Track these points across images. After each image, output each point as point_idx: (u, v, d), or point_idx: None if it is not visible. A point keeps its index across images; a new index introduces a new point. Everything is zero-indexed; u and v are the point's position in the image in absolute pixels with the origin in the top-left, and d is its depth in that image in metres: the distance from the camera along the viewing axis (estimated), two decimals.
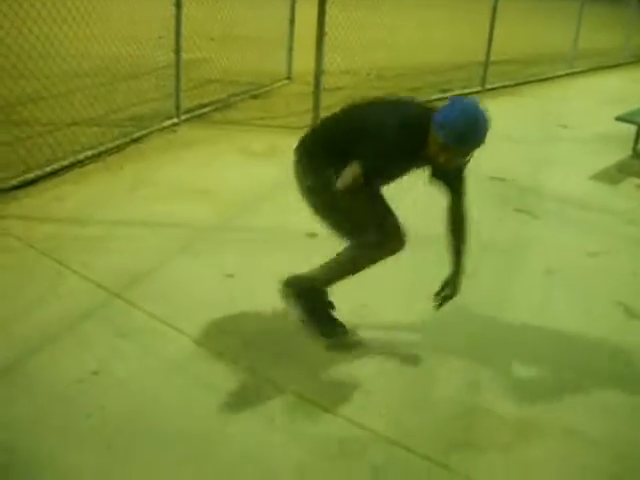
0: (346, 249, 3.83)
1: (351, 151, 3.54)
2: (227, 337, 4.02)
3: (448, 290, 3.99)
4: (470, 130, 3.44)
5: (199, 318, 4.16)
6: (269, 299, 4.18)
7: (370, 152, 3.52)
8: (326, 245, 4.02)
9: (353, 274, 3.86)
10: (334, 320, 4.02)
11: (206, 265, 4.74)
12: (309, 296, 3.97)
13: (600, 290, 4.91)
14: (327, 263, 3.90)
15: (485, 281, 4.87)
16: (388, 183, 3.81)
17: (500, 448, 3.35)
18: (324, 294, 4.00)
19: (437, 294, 3.98)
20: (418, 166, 3.78)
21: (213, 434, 3.29)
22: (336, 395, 3.62)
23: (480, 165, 7.04)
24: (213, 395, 3.53)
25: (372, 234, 3.72)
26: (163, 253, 4.89)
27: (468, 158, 3.66)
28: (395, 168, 3.74)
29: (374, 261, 3.79)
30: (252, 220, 5.45)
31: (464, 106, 3.51)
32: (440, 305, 4.00)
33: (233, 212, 5.61)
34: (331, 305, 4.03)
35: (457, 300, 4.33)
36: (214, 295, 4.41)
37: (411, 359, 3.99)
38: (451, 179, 3.92)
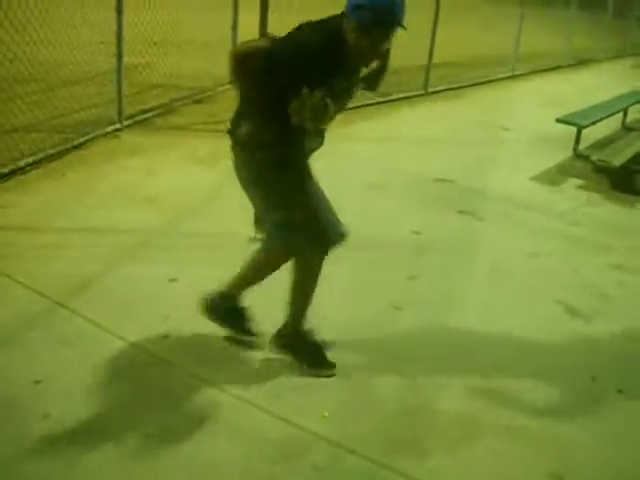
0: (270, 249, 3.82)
1: (284, 95, 3.27)
2: (170, 342, 4.01)
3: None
4: (385, 3, 3.21)
5: (142, 324, 4.15)
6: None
7: (307, 74, 3.21)
8: None
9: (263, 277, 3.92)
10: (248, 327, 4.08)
11: (150, 271, 4.71)
12: (227, 316, 4.04)
13: (541, 290, 5.00)
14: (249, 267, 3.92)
15: (427, 282, 4.93)
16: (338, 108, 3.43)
17: (444, 448, 3.39)
18: (237, 303, 4.05)
19: None
20: (353, 74, 3.54)
21: (156, 438, 3.29)
22: (276, 397, 3.63)
23: (424, 167, 7.22)
24: (156, 399, 3.54)
25: (302, 232, 3.66)
26: (108, 260, 4.85)
27: (388, 42, 3.41)
28: (337, 81, 3.38)
29: (313, 267, 3.77)
30: (197, 225, 5.43)
31: None
32: None
33: (177, 218, 5.59)
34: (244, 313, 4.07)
35: (398, 301, 4.39)
36: (157, 300, 4.39)
37: (351, 360, 4.00)
38: (373, 81, 3.82)
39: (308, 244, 3.67)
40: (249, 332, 4.08)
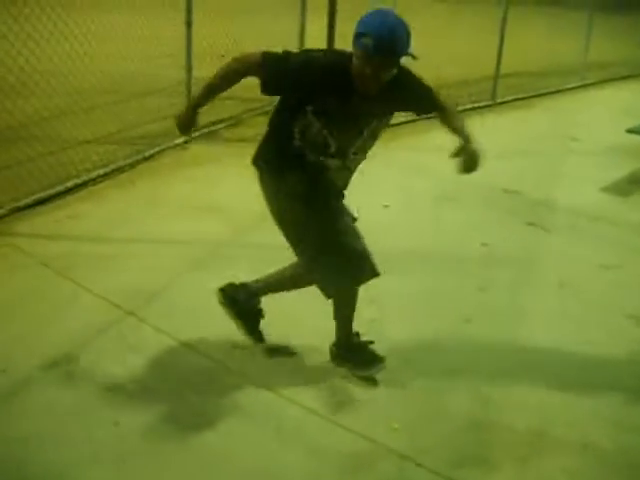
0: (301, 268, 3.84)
1: (288, 110, 3.49)
2: (239, 352, 4.04)
3: (464, 157, 3.79)
4: (386, 32, 3.21)
5: (211, 333, 4.19)
6: (279, 314, 4.19)
7: (306, 83, 3.36)
8: None
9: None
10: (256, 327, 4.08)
11: (217, 281, 4.72)
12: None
13: (613, 303, 4.89)
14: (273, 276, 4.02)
15: (496, 295, 4.87)
16: (347, 140, 3.53)
17: (513, 463, 3.34)
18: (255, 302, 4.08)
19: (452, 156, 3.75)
20: (357, 107, 3.44)
21: (226, 449, 3.30)
22: (347, 409, 3.63)
23: (492, 179, 7.14)
24: (225, 410, 3.55)
25: (320, 269, 3.69)
26: (176, 270, 4.90)
27: (390, 71, 3.32)
28: (333, 102, 3.40)
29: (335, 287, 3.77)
30: (263, 237, 5.42)
31: (380, 12, 3.37)
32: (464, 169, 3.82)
33: (244, 229, 5.62)
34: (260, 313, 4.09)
35: (467, 314, 4.33)
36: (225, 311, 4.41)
37: (421, 373, 3.98)
38: (424, 110, 3.88)
39: (327, 281, 3.70)
40: (257, 335, 4.08)
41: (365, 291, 4.13)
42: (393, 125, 8.56)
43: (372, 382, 3.85)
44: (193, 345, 4.05)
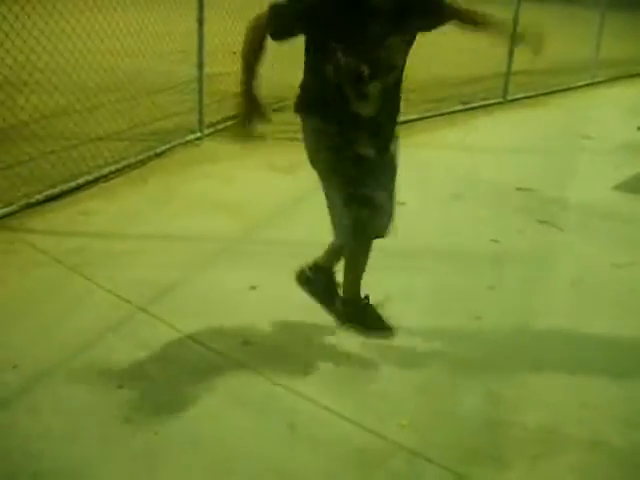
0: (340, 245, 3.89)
1: (317, 50, 3.47)
2: (250, 348, 4.03)
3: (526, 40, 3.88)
4: None
5: (223, 330, 4.19)
6: (293, 310, 4.21)
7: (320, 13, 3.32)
8: None
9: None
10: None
11: (230, 278, 4.75)
12: (361, 305, 4.06)
13: (626, 301, 4.86)
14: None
15: (509, 293, 4.85)
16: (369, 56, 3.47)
17: (524, 461, 3.33)
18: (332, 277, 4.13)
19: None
20: (379, 24, 3.41)
21: (239, 445, 3.30)
22: (357, 405, 3.61)
23: (504, 176, 7.14)
24: (238, 407, 3.56)
25: (337, 215, 3.70)
26: (188, 266, 4.91)
27: None
28: (358, 30, 3.38)
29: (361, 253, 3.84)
30: (276, 233, 5.46)
31: None
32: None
33: (257, 226, 5.63)
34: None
35: (478, 310, 4.34)
36: (238, 307, 4.42)
37: (432, 370, 3.97)
38: (437, 19, 3.74)
39: (340, 229, 3.71)
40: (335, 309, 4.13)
41: (378, 287, 4.15)
42: (406, 122, 8.67)
43: (377, 378, 3.86)
44: (205, 342, 4.05)
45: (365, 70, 3.44)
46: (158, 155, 7.10)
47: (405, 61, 3.61)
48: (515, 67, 11.16)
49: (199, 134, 7.79)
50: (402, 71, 3.63)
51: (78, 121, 7.23)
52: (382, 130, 3.71)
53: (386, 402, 3.66)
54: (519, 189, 6.91)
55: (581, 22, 14.35)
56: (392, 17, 3.40)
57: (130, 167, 6.73)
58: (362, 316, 4.07)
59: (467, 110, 10.19)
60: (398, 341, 4.09)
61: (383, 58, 3.47)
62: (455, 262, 5.19)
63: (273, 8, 3.37)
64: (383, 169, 3.75)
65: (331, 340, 4.12)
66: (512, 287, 4.94)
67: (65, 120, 7.23)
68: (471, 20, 3.77)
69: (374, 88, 3.52)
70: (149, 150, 7.08)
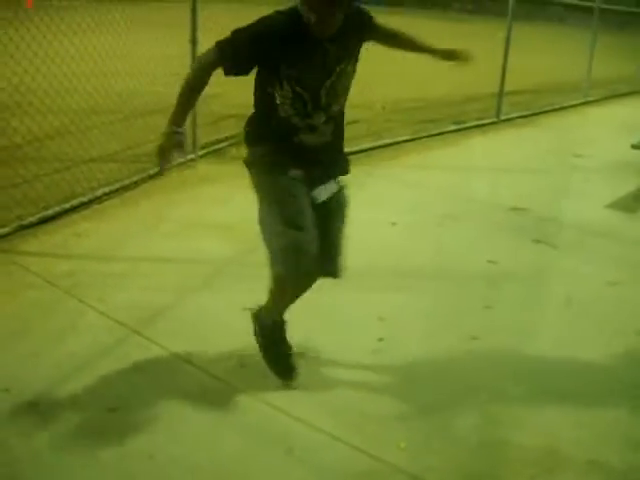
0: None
1: (261, 82, 3.51)
2: (245, 371, 4.01)
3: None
4: None
5: (218, 352, 4.16)
6: (288, 332, 4.18)
7: (266, 46, 3.34)
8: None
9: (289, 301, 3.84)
10: (286, 360, 3.97)
11: (225, 300, 4.73)
12: (266, 332, 3.96)
13: (622, 320, 4.85)
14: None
15: (503, 312, 4.84)
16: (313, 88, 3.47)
17: None
18: (281, 330, 3.97)
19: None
20: (325, 55, 3.41)
21: (237, 470, 3.28)
22: (355, 428, 3.58)
23: (498, 196, 7.14)
24: (234, 430, 3.52)
25: (267, 246, 3.62)
26: (182, 289, 4.89)
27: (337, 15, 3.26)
28: (303, 62, 3.40)
29: (287, 295, 3.76)
30: None
31: None
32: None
33: (251, 247, 5.57)
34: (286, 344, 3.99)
35: (475, 331, 4.33)
36: (233, 329, 4.39)
37: (429, 391, 3.94)
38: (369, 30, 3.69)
39: (271, 260, 3.62)
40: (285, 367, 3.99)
41: (373, 308, 4.14)
42: (395, 143, 8.68)
43: (374, 401, 3.83)
44: (200, 364, 4.02)
45: (309, 100, 3.47)
46: (152, 177, 7.08)
47: (349, 88, 3.61)
48: (508, 87, 11.22)
49: (192, 155, 7.77)
50: (346, 99, 3.64)
51: (72, 143, 7.22)
52: (325, 159, 3.66)
53: (383, 425, 3.63)
54: (513, 209, 6.92)
55: (572, 42, 14.44)
56: (336, 46, 3.40)
57: (124, 189, 6.71)
58: (270, 353, 3.97)
59: (460, 130, 10.21)
60: (393, 362, 4.07)
61: (328, 87, 3.48)
62: (450, 282, 5.18)
63: (219, 44, 3.40)
64: (326, 207, 3.67)
65: (328, 362, 4.10)
66: (508, 307, 4.93)
67: (59, 142, 7.23)
68: (403, 42, 3.86)
69: (318, 118, 3.53)
70: (142, 172, 7.06)
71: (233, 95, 9.07)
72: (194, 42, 7.43)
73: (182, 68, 7.75)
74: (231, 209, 6.46)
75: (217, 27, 8.58)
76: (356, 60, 3.58)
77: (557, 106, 12.84)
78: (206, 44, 7.67)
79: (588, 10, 14.01)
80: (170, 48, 8.31)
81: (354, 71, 3.59)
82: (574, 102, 13.40)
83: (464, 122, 10.50)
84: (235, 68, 3.41)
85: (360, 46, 3.59)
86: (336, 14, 3.24)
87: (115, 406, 3.63)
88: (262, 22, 3.36)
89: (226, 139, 8.57)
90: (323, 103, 3.49)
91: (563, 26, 15.40)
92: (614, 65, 15.52)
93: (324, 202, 3.64)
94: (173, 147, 3.51)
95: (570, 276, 5.52)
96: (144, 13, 8.55)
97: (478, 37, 13.47)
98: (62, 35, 6.73)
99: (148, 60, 8.29)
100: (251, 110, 3.69)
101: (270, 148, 3.64)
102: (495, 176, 8.04)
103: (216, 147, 8.29)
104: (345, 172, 3.77)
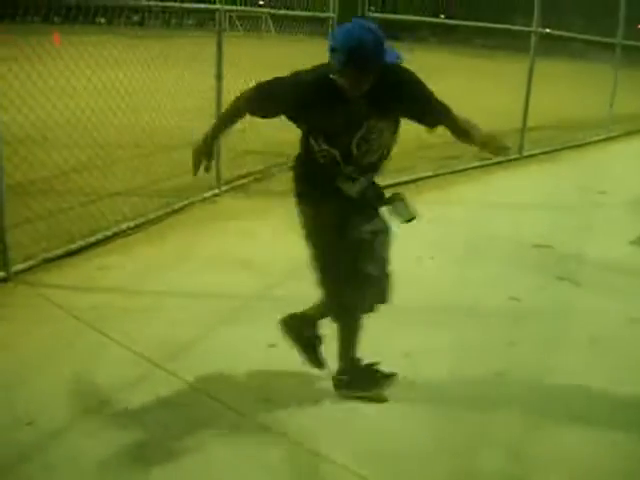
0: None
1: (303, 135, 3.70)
2: (272, 407, 4.00)
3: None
4: (354, 46, 3.26)
5: (243, 388, 4.17)
6: (313, 369, 4.18)
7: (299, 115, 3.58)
8: None
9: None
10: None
11: (249, 335, 4.73)
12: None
13: None
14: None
15: (527, 350, 4.81)
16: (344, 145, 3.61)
17: None
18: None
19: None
20: (353, 112, 3.50)
21: None
22: (375, 464, 3.57)
23: (521, 232, 7.13)
24: (257, 467, 3.52)
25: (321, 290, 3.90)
26: (206, 324, 4.90)
27: (364, 78, 3.34)
28: (331, 120, 3.53)
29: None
30: (292, 290, 5.43)
31: (347, 25, 3.37)
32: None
33: (275, 283, 5.62)
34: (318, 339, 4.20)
35: (499, 367, 4.31)
36: (258, 365, 4.40)
37: (453, 428, 3.92)
38: (429, 117, 3.77)
39: (326, 305, 3.92)
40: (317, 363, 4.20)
41: (397, 343, 4.14)
42: (417, 180, 8.69)
43: (384, 401, 3.93)
44: (226, 400, 4.02)
45: (339, 156, 3.60)
46: (176, 211, 7.14)
47: (387, 146, 3.70)
48: (531, 123, 11.24)
49: (217, 190, 7.83)
50: (384, 155, 3.74)
51: (97, 177, 7.29)
52: (366, 201, 3.79)
53: (406, 462, 3.62)
54: (536, 245, 6.90)
55: (594, 78, 14.46)
56: (365, 101, 3.46)
57: (148, 223, 6.76)
58: (362, 378, 4.14)
59: (483, 166, 10.21)
60: (418, 397, 4.06)
61: (358, 141, 3.58)
62: (474, 318, 5.16)
63: (249, 97, 3.70)
64: (372, 238, 3.78)
65: (351, 400, 4.08)
66: (531, 344, 4.90)
67: (84, 176, 7.29)
68: (462, 132, 3.81)
69: (353, 171, 3.66)
70: (167, 206, 7.12)
71: (256, 131, 9.18)
72: (219, 77, 7.52)
73: (206, 103, 7.87)
74: (255, 244, 6.48)
75: (241, 63, 8.72)
76: (394, 120, 3.66)
77: (579, 142, 12.84)
78: (231, 79, 7.79)
79: (610, 46, 14.04)
80: (194, 84, 8.41)
81: (391, 130, 3.67)
82: (596, 138, 13.40)
83: (487, 158, 10.50)
84: (262, 117, 3.75)
85: (398, 106, 3.61)
86: (370, 78, 3.35)
87: (140, 441, 3.63)
88: (291, 82, 3.55)
89: (249, 175, 8.62)
90: (354, 158, 3.61)
91: (585, 62, 15.38)
92: (637, 100, 15.50)
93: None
94: (202, 153, 3.83)
95: (593, 314, 5.47)
96: (168, 49, 8.62)
97: (500, 73, 13.55)
98: (90, 70, 6.81)
99: (173, 95, 8.37)
100: (275, 147, 3.86)
101: (309, 188, 3.82)
102: (518, 212, 8.02)
103: (240, 182, 8.33)
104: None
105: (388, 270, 3.85)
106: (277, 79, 3.57)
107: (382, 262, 3.82)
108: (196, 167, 3.84)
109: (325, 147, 3.57)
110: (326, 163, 3.61)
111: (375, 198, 3.83)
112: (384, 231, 3.83)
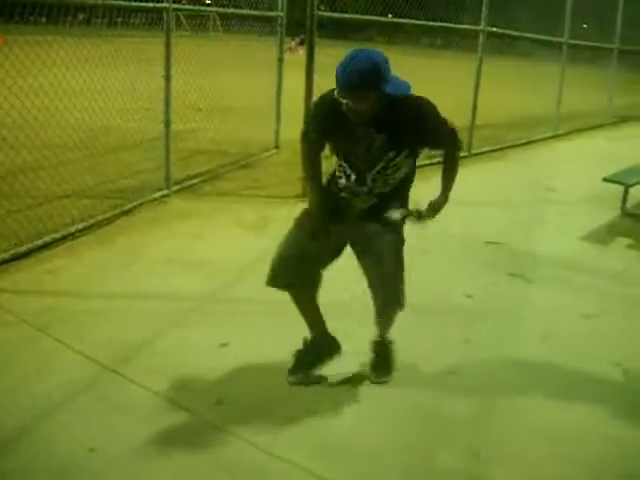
0: None
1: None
2: (224, 408, 3.97)
3: (429, 210, 4.29)
4: (341, 70, 3.46)
5: (195, 389, 4.13)
6: (265, 367, 4.16)
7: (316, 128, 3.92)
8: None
9: None
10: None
11: (200, 336, 4.69)
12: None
13: (598, 353, 4.87)
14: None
15: (480, 348, 4.84)
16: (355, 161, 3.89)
17: None
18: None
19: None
20: (359, 134, 3.74)
21: None
22: (333, 465, 3.55)
23: (472, 230, 7.17)
24: (214, 470, 3.48)
25: None
26: (158, 326, 4.84)
27: (352, 102, 3.51)
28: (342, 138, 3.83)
29: None
30: (245, 291, 5.40)
31: (351, 51, 3.53)
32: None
33: (226, 283, 5.59)
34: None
35: (453, 365, 4.32)
36: (209, 365, 4.36)
37: (409, 428, 3.92)
38: (435, 147, 4.44)
39: (396, 296, 4.18)
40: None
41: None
42: None
43: (359, 435, 3.81)
44: (178, 402, 3.98)
45: (353, 175, 3.89)
46: (125, 213, 7.05)
47: (404, 179, 4.11)
48: (479, 121, 11.32)
49: (166, 191, 7.76)
50: (398, 185, 4.07)
51: (45, 178, 7.16)
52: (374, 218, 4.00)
53: (361, 460, 3.61)
54: (488, 242, 6.95)
55: (541, 76, 14.60)
56: (384, 135, 3.71)
57: (97, 225, 6.66)
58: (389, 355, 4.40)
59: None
60: (372, 395, 4.06)
61: (375, 174, 3.87)
62: (428, 316, 5.17)
63: (302, 137, 4.00)
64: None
65: (306, 398, 4.07)
66: (486, 341, 4.93)
67: (32, 177, 7.16)
68: (443, 172, 4.43)
69: (361, 190, 3.93)
70: (116, 208, 7.03)
71: (205, 131, 9.13)
72: (168, 78, 7.44)
73: (154, 103, 7.80)
74: (206, 245, 6.44)
75: (190, 64, 8.67)
76: (412, 154, 3.97)
77: (528, 140, 12.97)
78: (180, 79, 7.73)
79: (557, 45, 14.19)
80: (141, 83, 8.32)
81: (408, 164, 4.02)
82: (544, 135, 13.55)
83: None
84: (327, 141, 3.95)
85: (417, 140, 3.90)
86: (364, 105, 3.51)
87: (94, 445, 3.57)
88: (316, 104, 3.98)
89: (198, 175, 8.55)
90: (368, 185, 3.89)
91: (532, 61, 15.51)
92: (583, 98, 15.71)
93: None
94: (325, 226, 3.95)
95: (546, 309, 5.53)
96: (116, 49, 8.51)
97: (448, 70, 13.64)
98: (36, 70, 6.69)
99: (121, 95, 8.27)
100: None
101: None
102: (468, 210, 8.04)
103: (189, 183, 8.26)
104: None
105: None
106: (313, 103, 3.92)
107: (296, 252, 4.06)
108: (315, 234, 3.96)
109: (345, 164, 3.91)
110: (340, 176, 3.97)
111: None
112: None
